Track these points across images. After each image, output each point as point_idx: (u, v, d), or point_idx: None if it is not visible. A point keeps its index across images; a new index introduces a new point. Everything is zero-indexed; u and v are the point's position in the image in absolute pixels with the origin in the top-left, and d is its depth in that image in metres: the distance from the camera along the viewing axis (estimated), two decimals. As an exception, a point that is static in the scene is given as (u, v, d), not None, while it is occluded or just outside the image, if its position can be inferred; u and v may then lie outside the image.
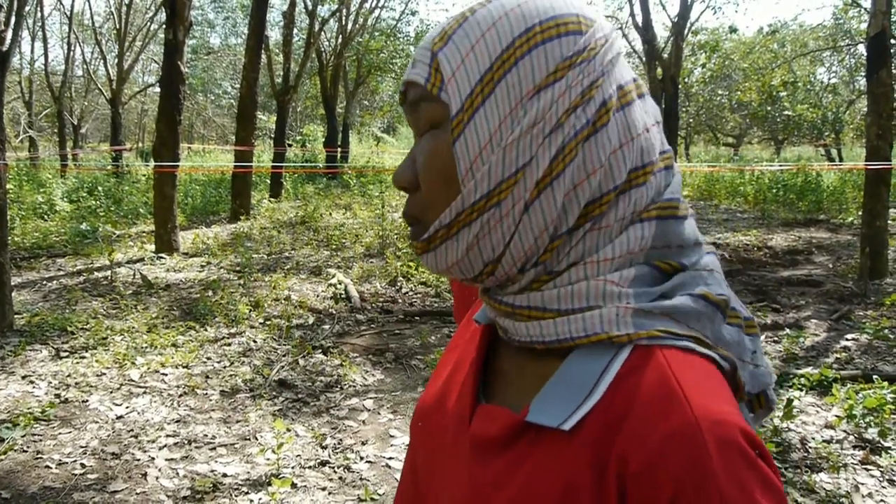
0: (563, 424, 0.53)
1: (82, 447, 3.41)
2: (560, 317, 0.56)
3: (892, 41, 7.33)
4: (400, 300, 6.40)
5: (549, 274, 0.57)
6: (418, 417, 0.72)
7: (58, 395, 4.01)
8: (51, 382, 4.20)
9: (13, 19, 5.33)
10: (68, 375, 4.29)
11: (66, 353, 4.70)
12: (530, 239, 0.56)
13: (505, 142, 0.55)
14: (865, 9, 13.93)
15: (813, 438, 3.47)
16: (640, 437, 0.50)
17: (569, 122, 0.55)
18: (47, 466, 3.22)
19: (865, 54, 7.42)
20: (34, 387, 4.14)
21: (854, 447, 3.42)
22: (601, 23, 0.58)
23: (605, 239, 0.56)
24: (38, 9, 19.63)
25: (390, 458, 3.38)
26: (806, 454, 3.34)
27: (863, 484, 3.07)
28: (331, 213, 11.52)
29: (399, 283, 6.87)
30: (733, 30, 23.34)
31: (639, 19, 13.58)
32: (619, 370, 0.53)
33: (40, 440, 3.48)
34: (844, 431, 3.57)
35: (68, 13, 19.51)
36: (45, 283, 6.72)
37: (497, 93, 0.55)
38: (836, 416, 3.66)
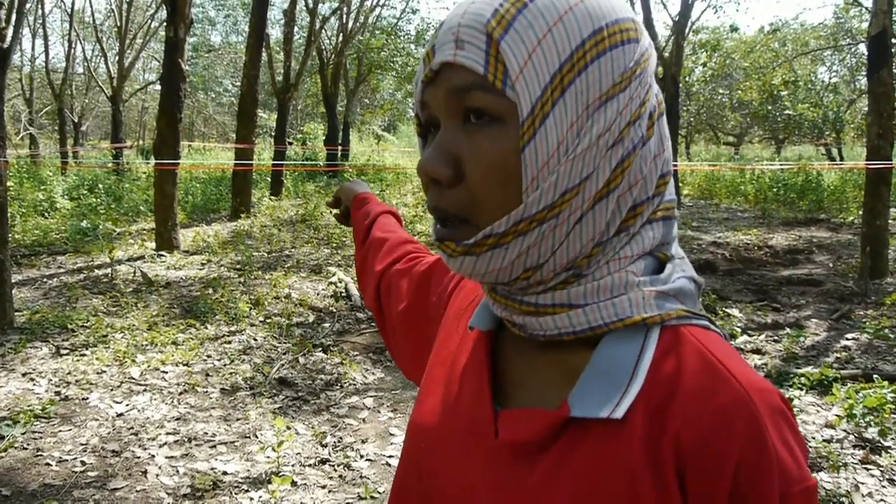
0: (613, 413, 0.53)
1: (82, 445, 3.41)
2: (589, 306, 0.56)
3: (893, 40, 7.32)
4: (400, 298, 6.39)
5: (577, 276, 0.57)
6: (418, 438, 0.68)
7: (58, 393, 4.01)
8: (51, 380, 4.20)
9: (14, 16, 5.33)
10: (68, 373, 4.29)
11: (67, 351, 4.70)
12: (577, 248, 0.56)
13: (573, 152, 0.53)
14: (866, 8, 13.91)
15: (813, 438, 3.47)
16: (695, 414, 0.51)
17: (629, 135, 0.55)
18: (47, 464, 3.22)
19: (866, 53, 7.41)
20: (34, 384, 4.15)
21: (854, 447, 3.42)
22: (644, 29, 0.58)
23: (627, 240, 0.57)
24: (39, 6, 19.60)
25: (390, 457, 3.38)
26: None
27: (863, 483, 3.07)
28: (331, 212, 11.49)
29: (399, 282, 6.87)
30: (734, 29, 23.34)
31: (640, 18, 13.56)
32: (654, 351, 0.54)
33: (40, 437, 3.48)
34: (844, 431, 3.57)
35: (69, 10, 19.48)
36: (45, 280, 6.72)
37: (566, 98, 0.52)
38: (837, 415, 3.66)
